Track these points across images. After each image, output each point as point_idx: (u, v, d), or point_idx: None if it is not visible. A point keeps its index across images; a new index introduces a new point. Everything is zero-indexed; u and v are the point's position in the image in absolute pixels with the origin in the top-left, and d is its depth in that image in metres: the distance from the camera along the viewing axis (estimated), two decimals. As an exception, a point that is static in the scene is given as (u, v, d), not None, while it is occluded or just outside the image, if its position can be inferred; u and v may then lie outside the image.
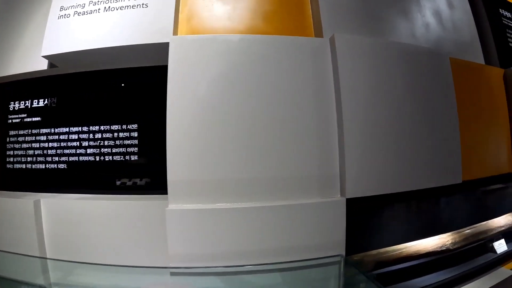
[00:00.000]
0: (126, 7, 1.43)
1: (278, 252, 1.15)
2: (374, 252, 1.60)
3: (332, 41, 1.28)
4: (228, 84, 1.20)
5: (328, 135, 1.23)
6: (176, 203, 1.14)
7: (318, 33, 1.47)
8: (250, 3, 1.51)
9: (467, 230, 1.88)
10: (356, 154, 1.22)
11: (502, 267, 1.82)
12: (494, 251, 1.89)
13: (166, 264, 1.16)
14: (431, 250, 1.70)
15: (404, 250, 1.63)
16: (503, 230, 1.96)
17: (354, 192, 1.22)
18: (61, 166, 1.55)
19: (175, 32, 1.41)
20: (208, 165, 1.16)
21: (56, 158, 1.55)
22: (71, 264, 1.29)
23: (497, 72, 1.91)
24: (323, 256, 1.16)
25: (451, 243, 1.77)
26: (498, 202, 2.04)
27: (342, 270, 1.16)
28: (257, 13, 1.49)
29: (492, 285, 1.66)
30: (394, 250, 1.63)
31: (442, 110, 1.49)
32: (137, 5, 1.42)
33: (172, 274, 1.15)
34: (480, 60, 1.94)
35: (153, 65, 1.44)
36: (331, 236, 1.19)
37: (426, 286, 1.60)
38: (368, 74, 1.29)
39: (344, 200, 1.20)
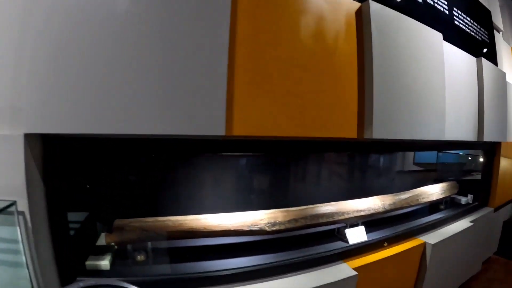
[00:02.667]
0: None
1: None
2: (150, 219, 1.30)
3: None
4: None
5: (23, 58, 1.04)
6: None
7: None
8: None
9: (311, 209, 1.43)
10: (35, 81, 1.00)
11: (345, 263, 1.33)
12: (345, 240, 1.41)
13: None
14: (231, 229, 1.32)
15: (186, 222, 1.31)
16: (363, 215, 1.46)
17: (35, 127, 0.99)
18: None
19: None
20: None
21: None
22: None
23: (339, 5, 1.37)
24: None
25: (268, 223, 1.37)
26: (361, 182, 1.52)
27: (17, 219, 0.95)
28: None
29: (316, 286, 1.22)
30: (175, 221, 1.30)
31: (206, 42, 1.11)
32: None
33: None
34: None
35: None
36: (9, 179, 0.99)
37: (222, 270, 1.24)
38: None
39: (21, 135, 1.00)
